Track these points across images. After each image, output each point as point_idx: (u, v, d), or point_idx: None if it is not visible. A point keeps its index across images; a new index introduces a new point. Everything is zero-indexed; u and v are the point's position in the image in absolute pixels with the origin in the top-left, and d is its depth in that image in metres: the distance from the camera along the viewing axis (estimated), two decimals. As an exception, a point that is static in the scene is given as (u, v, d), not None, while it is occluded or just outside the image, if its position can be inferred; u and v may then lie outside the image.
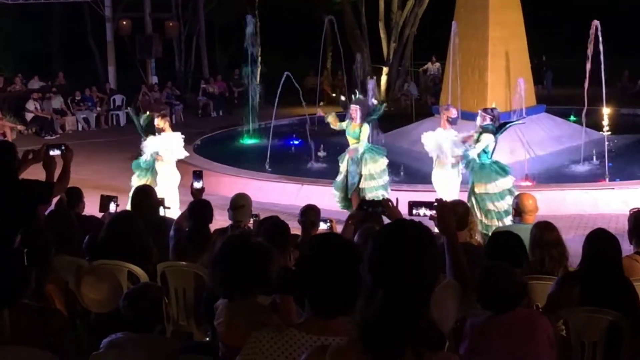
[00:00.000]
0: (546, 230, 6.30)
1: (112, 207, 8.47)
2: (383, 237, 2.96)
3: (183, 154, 12.77)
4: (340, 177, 12.93)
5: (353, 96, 13.46)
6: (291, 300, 4.09)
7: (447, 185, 12.08)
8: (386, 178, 12.90)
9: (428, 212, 4.85)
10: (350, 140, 12.81)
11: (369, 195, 12.21)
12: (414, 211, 4.90)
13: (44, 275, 5.22)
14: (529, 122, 17.73)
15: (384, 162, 12.86)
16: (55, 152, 6.78)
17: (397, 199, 5.47)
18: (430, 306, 3.01)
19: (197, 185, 8.00)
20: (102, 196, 8.77)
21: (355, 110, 12.68)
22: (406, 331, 2.76)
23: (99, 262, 6.39)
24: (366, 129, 12.70)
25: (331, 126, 13.13)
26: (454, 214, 4.99)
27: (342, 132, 13.15)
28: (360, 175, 12.63)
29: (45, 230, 5.79)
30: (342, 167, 12.93)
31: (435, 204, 4.77)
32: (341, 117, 13.46)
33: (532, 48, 20.00)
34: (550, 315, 5.18)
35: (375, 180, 12.69)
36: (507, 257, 5.31)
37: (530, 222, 7.35)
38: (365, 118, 12.70)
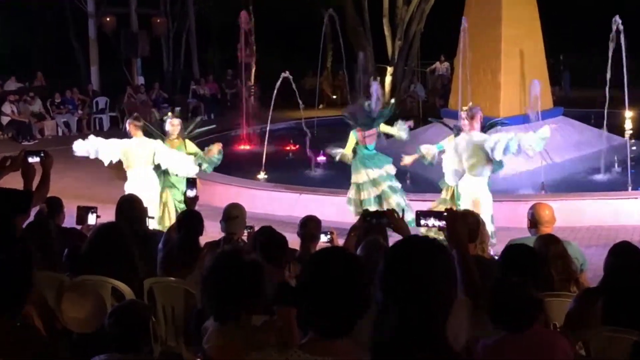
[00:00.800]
0: (551, 244, 6.36)
1: (92, 219, 8.45)
2: (396, 254, 2.99)
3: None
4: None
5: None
6: (293, 312, 4.07)
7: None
8: (389, 184, 13.05)
9: (437, 223, 4.83)
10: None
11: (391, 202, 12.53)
12: (422, 222, 4.88)
13: (23, 293, 5.20)
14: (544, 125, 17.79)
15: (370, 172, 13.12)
16: (34, 159, 6.78)
17: (403, 210, 5.48)
18: (446, 326, 3.03)
19: (191, 193, 8.01)
20: (78, 207, 8.74)
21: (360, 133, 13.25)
22: (421, 352, 2.78)
23: (81, 278, 6.38)
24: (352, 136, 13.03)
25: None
26: (465, 225, 4.97)
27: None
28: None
29: (24, 243, 5.77)
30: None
31: (445, 214, 4.77)
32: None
33: (549, 47, 20.00)
34: (570, 334, 5.17)
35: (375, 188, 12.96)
36: (521, 272, 5.31)
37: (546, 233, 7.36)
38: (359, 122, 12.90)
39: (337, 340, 3.16)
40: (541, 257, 6.25)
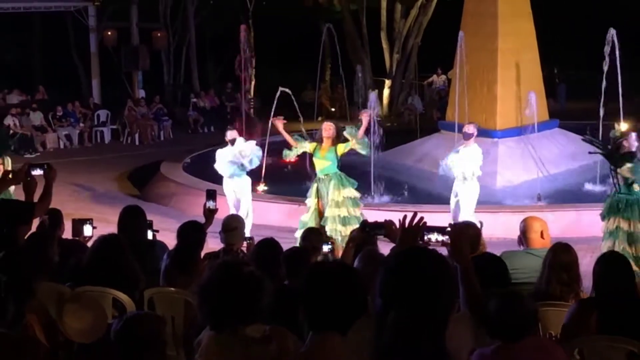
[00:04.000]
0: (559, 252, 6.31)
1: (88, 230, 8.44)
2: (396, 263, 3.01)
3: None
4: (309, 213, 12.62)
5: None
6: (285, 332, 4.10)
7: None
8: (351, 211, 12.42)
9: (441, 238, 4.80)
10: (322, 163, 12.43)
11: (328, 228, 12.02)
12: (425, 237, 4.84)
13: (24, 303, 5.21)
14: (541, 138, 17.82)
15: (351, 192, 12.45)
16: (37, 172, 6.81)
17: (399, 220, 5.48)
18: (445, 336, 3.05)
19: (210, 205, 8.01)
20: (74, 220, 8.74)
21: (329, 128, 12.42)
22: (420, 358, 2.80)
23: (82, 289, 6.38)
24: (341, 146, 12.37)
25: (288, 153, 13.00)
26: (469, 240, 4.94)
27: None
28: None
29: (26, 254, 5.79)
30: (310, 201, 12.68)
31: (449, 229, 4.76)
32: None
33: (544, 59, 20.04)
34: (566, 344, 5.18)
35: (339, 209, 12.29)
36: (488, 281, 5.32)
37: (536, 246, 7.32)
38: (337, 138, 12.39)
39: (335, 349, 3.19)
40: (547, 262, 6.26)
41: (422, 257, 3.03)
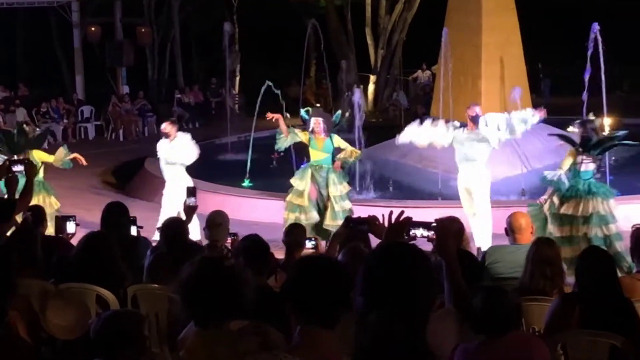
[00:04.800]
0: (543, 247, 6.35)
1: (71, 227, 8.43)
2: (375, 260, 3.01)
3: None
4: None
5: (310, 109, 13.30)
6: (266, 326, 4.10)
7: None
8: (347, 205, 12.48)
9: (426, 233, 4.81)
10: (318, 155, 12.45)
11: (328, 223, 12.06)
12: (411, 232, 4.84)
13: (7, 300, 5.19)
14: (525, 133, 17.83)
15: (346, 187, 12.53)
16: (18, 168, 6.79)
17: (383, 216, 5.48)
18: (426, 331, 3.05)
19: (190, 202, 8.00)
20: (57, 217, 8.74)
21: (318, 123, 12.40)
22: (401, 357, 2.79)
23: (65, 286, 6.37)
24: (337, 137, 12.50)
25: (279, 137, 12.87)
26: (454, 236, 4.94)
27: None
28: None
29: (8, 250, 5.76)
30: (303, 184, 12.52)
31: (434, 224, 4.77)
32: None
33: (528, 55, 20.09)
34: (549, 338, 5.20)
35: (337, 204, 12.28)
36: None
37: (523, 242, 7.37)
38: (328, 130, 12.45)
39: (323, 343, 3.20)
40: (530, 257, 6.30)
41: (401, 252, 3.03)
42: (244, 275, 4.22)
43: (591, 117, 11.78)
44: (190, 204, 7.99)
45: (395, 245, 3.17)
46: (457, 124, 12.38)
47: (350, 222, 5.95)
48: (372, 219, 5.49)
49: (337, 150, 12.50)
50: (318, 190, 12.33)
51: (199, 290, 4.08)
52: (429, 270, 3.03)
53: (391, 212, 4.59)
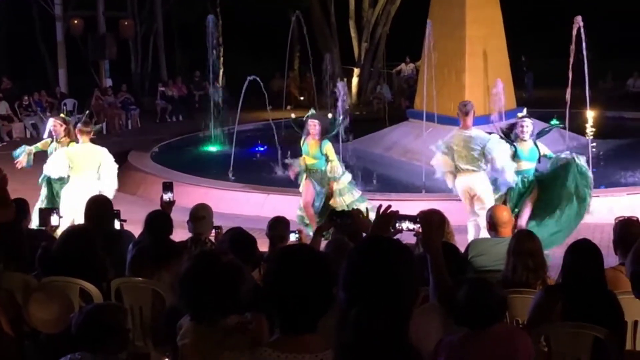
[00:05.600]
0: (523, 239, 6.39)
1: (55, 220, 8.41)
2: (357, 254, 3.01)
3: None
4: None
5: (312, 110, 13.23)
6: (263, 319, 4.09)
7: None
8: (355, 192, 12.54)
9: (412, 226, 4.81)
10: (310, 160, 12.30)
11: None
12: (397, 225, 4.84)
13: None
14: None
15: (348, 176, 12.50)
16: None
17: (367, 209, 5.48)
18: (409, 327, 3.04)
19: (166, 197, 7.96)
20: (40, 209, 8.71)
21: (314, 125, 12.29)
22: (383, 352, 2.79)
23: (48, 279, 6.35)
24: (329, 145, 12.31)
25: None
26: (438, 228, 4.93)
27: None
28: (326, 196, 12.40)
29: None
30: (301, 187, 12.54)
31: (419, 218, 4.77)
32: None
33: (511, 48, 20.12)
34: (532, 330, 5.22)
35: (346, 195, 12.29)
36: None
37: (506, 235, 7.42)
38: (323, 134, 12.43)
39: (305, 336, 3.19)
40: (510, 250, 6.32)
41: (385, 247, 3.02)
42: (242, 270, 4.22)
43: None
44: (167, 199, 7.93)
45: (379, 239, 3.16)
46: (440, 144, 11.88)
47: (334, 215, 5.96)
48: (356, 212, 5.50)
49: (325, 157, 12.31)
50: (314, 187, 12.33)
51: (195, 285, 4.09)
52: (412, 265, 3.02)
53: (380, 206, 4.59)
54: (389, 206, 4.60)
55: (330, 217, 6.13)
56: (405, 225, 4.78)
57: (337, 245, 6.16)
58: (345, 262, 3.03)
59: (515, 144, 11.28)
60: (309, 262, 3.21)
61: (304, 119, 12.62)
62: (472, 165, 11.26)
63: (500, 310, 4.77)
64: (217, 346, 3.83)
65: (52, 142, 12.23)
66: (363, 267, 2.95)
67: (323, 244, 6.72)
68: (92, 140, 11.88)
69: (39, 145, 12.45)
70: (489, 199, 11.13)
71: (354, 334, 2.85)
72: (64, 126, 12.16)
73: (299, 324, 3.18)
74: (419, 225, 4.71)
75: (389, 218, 4.57)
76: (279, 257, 3.31)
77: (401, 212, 4.86)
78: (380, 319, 2.85)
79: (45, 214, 8.54)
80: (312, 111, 12.95)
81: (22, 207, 8.47)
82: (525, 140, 11.34)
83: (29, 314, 5.91)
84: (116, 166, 11.97)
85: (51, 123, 12.53)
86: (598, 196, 13.33)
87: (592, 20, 17.54)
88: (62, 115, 12.89)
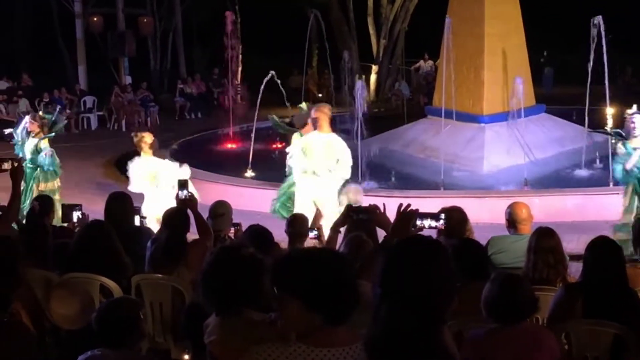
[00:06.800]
0: (543, 236, 6.35)
1: (77, 216, 8.44)
2: (397, 252, 3.01)
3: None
4: None
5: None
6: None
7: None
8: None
9: (434, 224, 4.80)
10: None
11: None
12: (418, 223, 4.84)
13: (10, 288, 5.19)
14: (528, 123, 17.85)
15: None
16: (5, 167, 6.74)
17: (384, 205, 5.48)
18: (443, 330, 3.04)
19: (182, 195, 7.93)
20: (63, 206, 8.75)
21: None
22: (412, 351, 2.79)
23: (69, 276, 6.38)
24: (295, 134, 12.32)
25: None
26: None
27: None
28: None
29: (13, 240, 5.76)
30: None
31: (442, 215, 4.76)
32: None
33: (531, 44, 20.03)
34: (552, 328, 5.21)
35: None
36: (464, 268, 5.35)
37: (525, 232, 7.37)
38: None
39: (336, 331, 3.20)
40: (531, 247, 6.30)
41: (422, 246, 3.01)
42: (263, 263, 4.24)
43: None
44: (182, 197, 7.85)
45: (418, 238, 3.16)
46: None
47: (351, 211, 5.95)
48: (373, 208, 5.50)
49: None
50: None
51: (218, 278, 4.11)
52: (449, 268, 3.01)
53: (400, 205, 4.60)
54: (409, 205, 4.60)
55: (347, 213, 6.11)
56: (427, 223, 4.79)
57: (355, 243, 6.16)
58: (383, 258, 3.03)
59: (626, 141, 11.34)
60: (331, 264, 3.24)
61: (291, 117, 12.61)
62: None
63: (531, 307, 4.76)
64: (244, 340, 3.84)
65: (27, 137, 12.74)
66: (399, 265, 2.95)
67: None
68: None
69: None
70: None
71: (384, 331, 2.86)
72: (38, 123, 12.84)
73: (326, 319, 3.20)
74: (441, 223, 4.72)
75: (409, 217, 4.57)
76: (300, 259, 3.33)
77: (421, 210, 4.87)
78: (411, 318, 2.85)
79: (68, 210, 8.57)
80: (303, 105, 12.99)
81: (46, 204, 8.54)
82: (636, 137, 11.37)
83: (50, 310, 5.95)
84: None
85: (27, 120, 13.14)
86: (618, 194, 13.29)
87: (612, 15, 17.44)
88: (40, 113, 13.29)
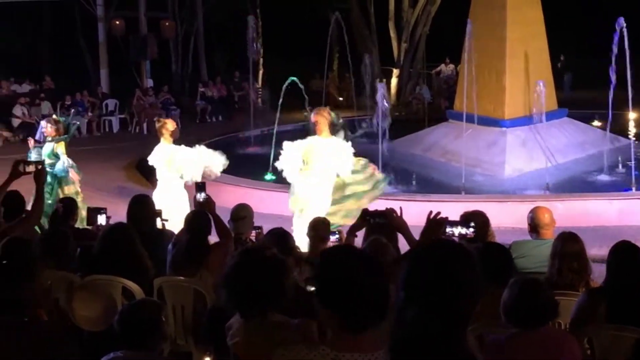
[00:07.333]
0: (568, 241, 6.33)
1: (102, 219, 8.48)
2: (421, 256, 3.01)
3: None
4: None
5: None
6: (314, 324, 4.10)
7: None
8: None
9: (464, 231, 4.79)
10: None
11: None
12: (447, 230, 4.83)
13: (30, 290, 5.20)
14: (550, 127, 17.80)
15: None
16: (29, 169, 6.79)
17: (400, 208, 5.47)
18: (467, 335, 3.04)
19: (199, 197, 7.95)
20: (88, 209, 8.81)
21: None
22: (437, 354, 2.79)
23: (91, 278, 6.41)
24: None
25: None
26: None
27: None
28: None
29: (29, 242, 5.78)
30: None
31: (472, 223, 4.76)
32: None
33: (552, 48, 19.95)
34: (575, 332, 5.19)
35: None
36: (489, 272, 5.34)
37: (548, 237, 7.34)
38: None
39: (362, 336, 3.21)
40: (555, 253, 6.28)
41: (448, 250, 3.01)
42: (285, 265, 4.25)
43: None
44: (200, 200, 7.85)
45: (444, 242, 3.16)
46: None
47: (368, 215, 5.93)
48: (390, 212, 5.49)
49: None
50: None
51: (241, 280, 4.12)
52: (475, 272, 3.00)
53: (430, 212, 4.59)
54: (439, 212, 4.59)
55: (364, 217, 6.09)
56: (457, 230, 4.78)
57: (375, 246, 6.16)
58: (408, 262, 3.03)
59: None
60: (360, 261, 3.24)
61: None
62: None
63: (551, 312, 4.74)
64: (267, 342, 3.85)
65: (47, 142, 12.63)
66: (425, 269, 2.94)
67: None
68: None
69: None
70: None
71: (408, 336, 2.85)
72: (55, 127, 12.60)
73: (354, 323, 3.20)
74: (471, 231, 4.71)
75: (439, 224, 4.56)
76: (327, 261, 3.32)
77: (442, 215, 4.87)
78: (437, 324, 2.84)
79: (93, 213, 8.61)
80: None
81: (69, 207, 8.58)
82: None
83: (73, 312, 5.98)
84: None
85: (43, 125, 12.99)
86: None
87: (634, 18, 17.33)
88: (54, 117, 13.30)
